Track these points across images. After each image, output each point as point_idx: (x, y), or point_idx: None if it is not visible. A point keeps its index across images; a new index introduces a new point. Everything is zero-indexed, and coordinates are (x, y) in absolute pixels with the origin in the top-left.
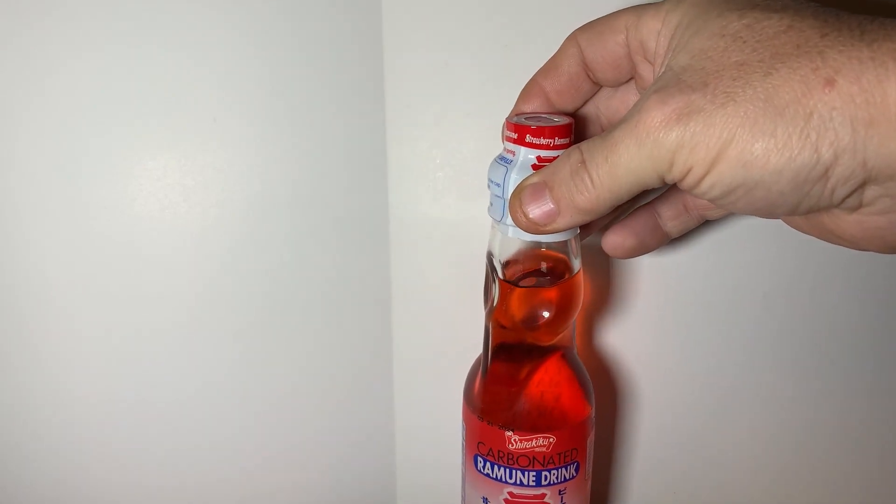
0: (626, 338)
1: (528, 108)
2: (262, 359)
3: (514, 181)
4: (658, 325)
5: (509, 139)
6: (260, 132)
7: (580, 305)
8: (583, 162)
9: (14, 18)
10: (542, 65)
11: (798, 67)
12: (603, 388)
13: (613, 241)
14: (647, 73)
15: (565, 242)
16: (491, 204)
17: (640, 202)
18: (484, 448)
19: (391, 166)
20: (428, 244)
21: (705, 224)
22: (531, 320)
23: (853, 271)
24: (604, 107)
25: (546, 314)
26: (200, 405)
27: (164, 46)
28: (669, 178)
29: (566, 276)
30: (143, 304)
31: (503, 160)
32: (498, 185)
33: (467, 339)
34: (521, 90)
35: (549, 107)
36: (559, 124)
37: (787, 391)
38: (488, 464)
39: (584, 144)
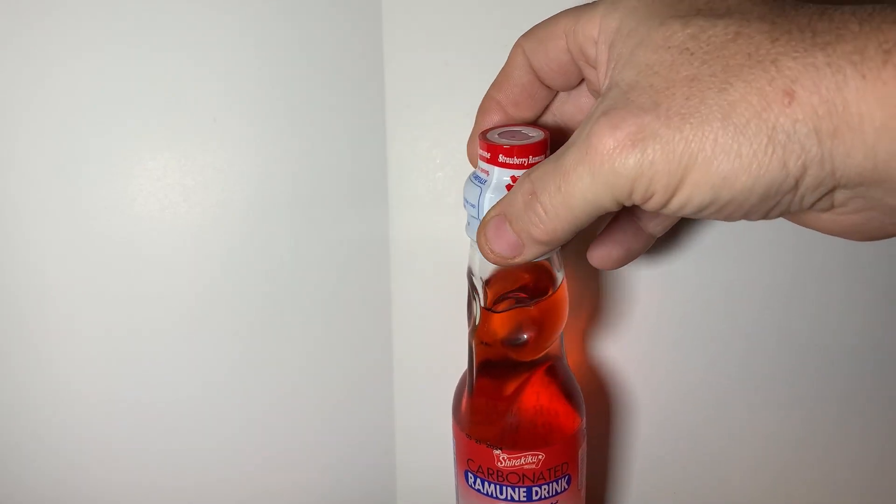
0: (621, 340)
1: (488, 123)
2: (262, 359)
3: (489, 201)
4: (654, 326)
5: (483, 158)
6: (260, 132)
7: (565, 320)
8: (533, 193)
9: (14, 18)
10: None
11: (753, 80)
12: (598, 392)
13: (600, 255)
14: (593, 76)
15: (547, 257)
16: (468, 224)
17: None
18: (473, 465)
19: (391, 166)
20: (428, 244)
21: (700, 225)
22: (515, 339)
23: (853, 271)
24: (559, 113)
25: (530, 333)
26: (200, 405)
27: (164, 46)
28: (629, 203)
29: (549, 292)
30: (143, 304)
31: (477, 179)
32: (473, 205)
33: (467, 339)
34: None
35: (509, 120)
36: (532, 142)
37: (785, 392)
38: (479, 480)
39: (533, 172)
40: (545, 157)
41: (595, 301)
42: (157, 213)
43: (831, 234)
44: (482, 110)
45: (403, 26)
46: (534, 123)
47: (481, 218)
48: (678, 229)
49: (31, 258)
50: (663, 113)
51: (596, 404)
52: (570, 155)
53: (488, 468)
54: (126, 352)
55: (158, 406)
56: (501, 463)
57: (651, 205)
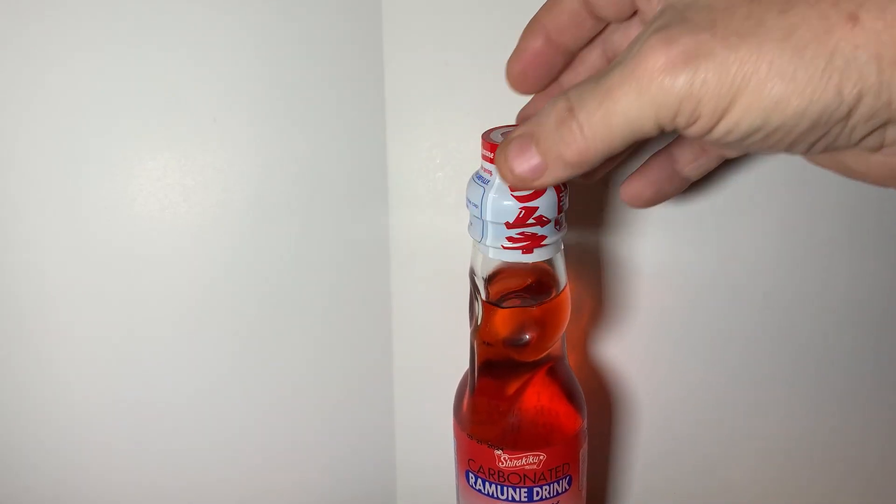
0: (623, 340)
1: (530, 46)
2: (261, 359)
3: (492, 202)
4: (656, 326)
5: (486, 158)
6: (260, 132)
7: (567, 322)
8: (570, 109)
9: (14, 18)
10: None
11: (816, 2)
12: (599, 392)
13: (631, 192)
14: (647, 7)
15: (550, 258)
16: (470, 224)
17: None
18: (475, 465)
19: (391, 166)
20: (428, 244)
21: (703, 224)
22: (517, 340)
23: (854, 271)
24: (607, 43)
25: (532, 334)
26: (200, 405)
27: (164, 47)
28: (671, 127)
29: (552, 293)
30: (142, 304)
31: (480, 179)
32: (476, 205)
33: (468, 339)
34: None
35: (552, 46)
36: None
37: (785, 391)
38: (479, 480)
39: (572, 91)
40: None
41: (596, 301)
42: (157, 213)
43: (875, 182)
44: (526, 32)
45: (403, 26)
46: (556, 45)
47: (484, 218)
48: (683, 227)
49: (31, 258)
50: (720, 31)
51: (596, 404)
52: (615, 72)
53: (489, 468)
54: (126, 352)
55: (158, 406)
56: (503, 463)
57: (695, 129)
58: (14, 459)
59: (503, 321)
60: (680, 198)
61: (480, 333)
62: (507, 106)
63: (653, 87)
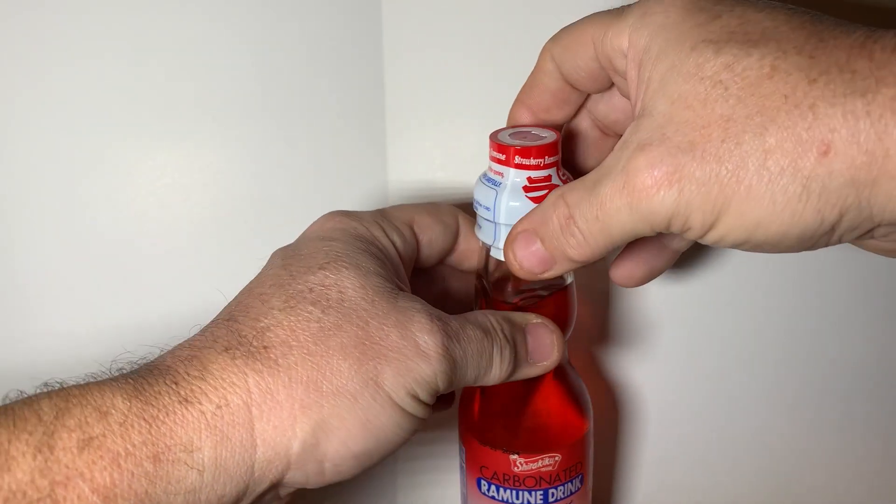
0: (623, 340)
1: (519, 125)
2: None
3: (505, 204)
4: (656, 326)
5: (496, 160)
6: (260, 132)
7: (573, 322)
8: (570, 217)
9: (13, 18)
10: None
11: (790, 125)
12: (603, 392)
13: (622, 274)
14: (623, 84)
15: None
16: (480, 227)
17: None
18: (488, 472)
19: (391, 166)
20: None
21: None
22: None
23: (854, 271)
24: (593, 111)
25: None
26: None
27: (164, 47)
28: (667, 232)
29: (559, 293)
30: (142, 304)
31: (490, 182)
32: (488, 208)
33: None
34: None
35: (540, 123)
36: (547, 142)
37: (788, 392)
38: (493, 486)
39: (568, 195)
40: (559, 157)
41: (603, 306)
42: (156, 213)
43: (874, 253)
44: (512, 117)
45: (403, 27)
46: (543, 123)
47: (497, 221)
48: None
49: (31, 258)
50: (699, 154)
51: (599, 410)
52: (606, 185)
53: (503, 474)
54: (125, 351)
55: None
56: (518, 467)
57: (689, 236)
58: None
59: None
60: None
61: None
62: (507, 106)
63: (642, 205)
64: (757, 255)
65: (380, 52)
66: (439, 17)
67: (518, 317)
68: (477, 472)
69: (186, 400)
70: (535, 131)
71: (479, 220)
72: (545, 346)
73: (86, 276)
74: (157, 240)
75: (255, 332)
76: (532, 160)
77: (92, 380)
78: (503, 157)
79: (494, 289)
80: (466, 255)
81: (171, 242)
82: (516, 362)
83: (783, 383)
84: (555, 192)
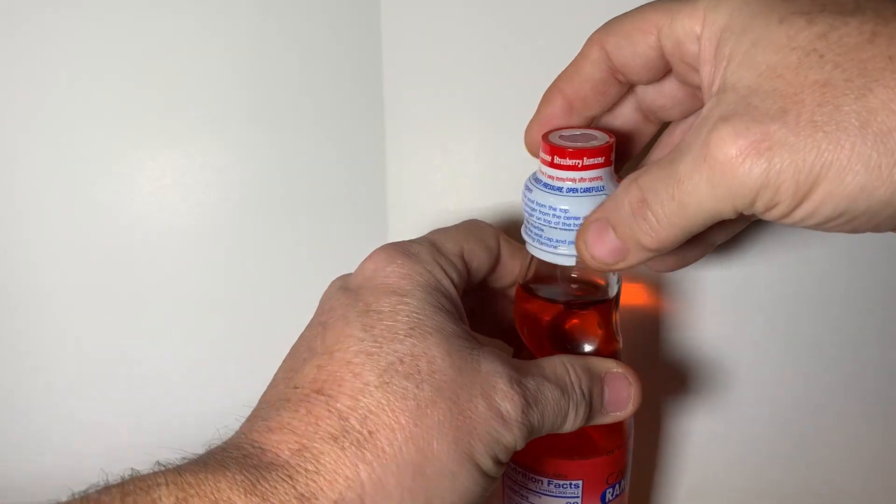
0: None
1: (550, 114)
2: (261, 360)
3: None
4: (662, 327)
5: (562, 166)
6: (259, 132)
7: (619, 333)
8: (643, 201)
9: (14, 18)
10: (544, 64)
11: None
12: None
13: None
14: (686, 72)
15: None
16: (533, 233)
17: None
18: (615, 476)
19: (390, 167)
20: None
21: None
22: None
23: (855, 271)
24: (641, 100)
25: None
26: (200, 405)
27: (163, 47)
28: (749, 213)
29: (598, 303)
30: (142, 304)
31: (548, 187)
32: (566, 215)
33: None
34: (541, 97)
35: (574, 114)
36: (609, 142)
37: (790, 392)
38: (618, 486)
39: (642, 179)
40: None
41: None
42: (156, 213)
43: None
44: (546, 101)
45: (402, 28)
46: (592, 125)
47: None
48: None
49: (31, 258)
50: (792, 120)
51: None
52: (684, 161)
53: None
54: (125, 351)
55: (157, 406)
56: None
57: (773, 214)
58: (13, 459)
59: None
60: None
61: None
62: (507, 107)
63: (726, 178)
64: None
65: (378, 52)
66: (438, 18)
67: (597, 365)
68: (603, 484)
69: (304, 496)
70: (586, 132)
71: (534, 227)
72: (622, 399)
73: (85, 275)
74: (158, 240)
75: (357, 416)
76: (599, 159)
77: (201, 459)
78: (551, 159)
79: (539, 298)
80: (502, 275)
81: (172, 242)
82: (590, 416)
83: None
84: (629, 177)
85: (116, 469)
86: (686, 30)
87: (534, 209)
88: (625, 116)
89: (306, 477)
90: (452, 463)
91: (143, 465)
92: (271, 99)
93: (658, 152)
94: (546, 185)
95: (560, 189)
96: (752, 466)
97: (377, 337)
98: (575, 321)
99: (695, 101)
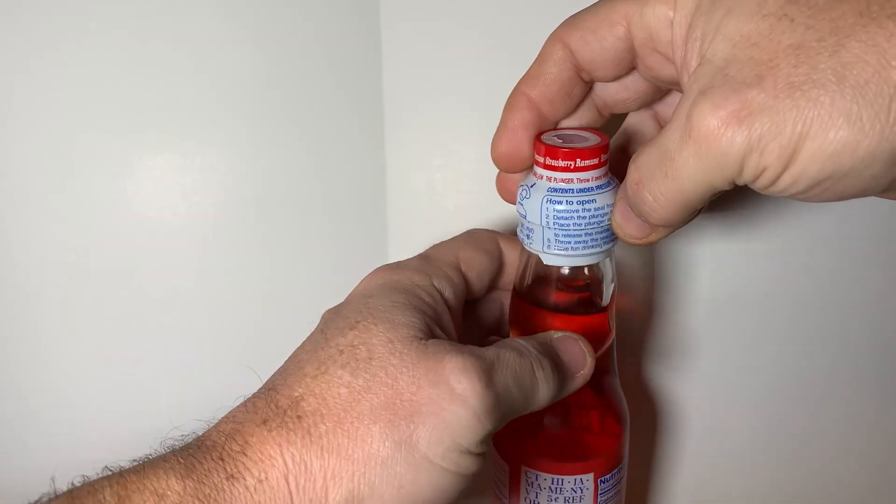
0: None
1: (517, 120)
2: (261, 360)
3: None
4: (658, 326)
5: (572, 168)
6: (259, 133)
7: (613, 334)
8: (639, 182)
9: (14, 18)
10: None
11: (868, 38)
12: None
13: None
14: (657, 64)
15: (597, 265)
16: (529, 237)
17: None
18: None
19: (389, 168)
20: (426, 245)
21: (707, 223)
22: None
23: (857, 271)
24: (602, 96)
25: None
26: (200, 405)
27: (163, 47)
28: (741, 182)
29: (596, 313)
30: (142, 304)
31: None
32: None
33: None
34: (504, 103)
35: (539, 118)
36: (602, 143)
37: (790, 393)
38: (613, 478)
39: (637, 158)
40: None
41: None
42: (156, 214)
43: None
44: (511, 107)
45: (401, 27)
46: (586, 127)
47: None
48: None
49: (31, 257)
50: (769, 85)
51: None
52: (670, 139)
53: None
54: (125, 352)
55: (158, 406)
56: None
57: (762, 181)
58: (13, 459)
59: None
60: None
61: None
62: None
63: (712, 150)
64: (764, 245)
65: (378, 51)
66: (437, 18)
67: (541, 336)
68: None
69: (232, 476)
70: (571, 133)
71: (526, 230)
72: (578, 356)
73: (85, 275)
74: (158, 240)
75: (289, 402)
76: (560, 161)
77: (148, 458)
78: (569, 164)
79: (537, 300)
80: (511, 277)
81: (171, 242)
82: (561, 377)
83: (784, 379)
84: (632, 158)
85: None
86: (658, 16)
87: (563, 216)
88: (580, 115)
89: (234, 457)
90: (383, 448)
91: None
92: (271, 99)
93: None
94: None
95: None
96: (750, 462)
97: (327, 333)
98: (570, 323)
99: (655, 93)
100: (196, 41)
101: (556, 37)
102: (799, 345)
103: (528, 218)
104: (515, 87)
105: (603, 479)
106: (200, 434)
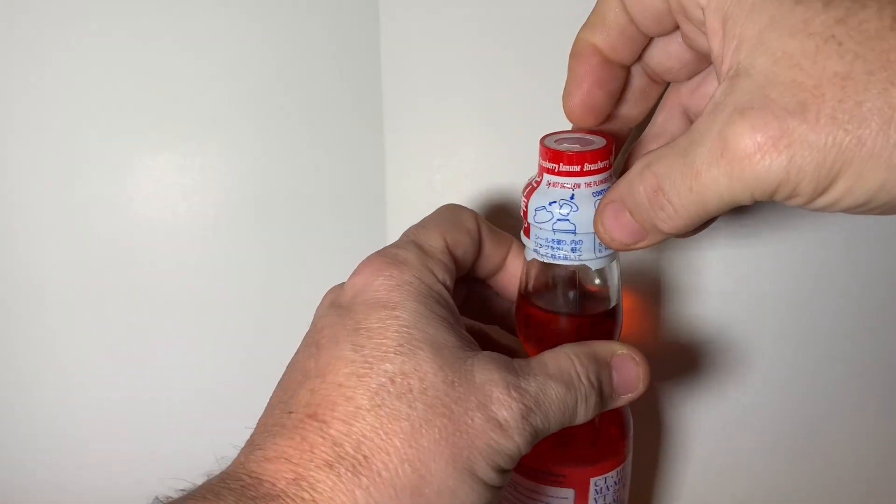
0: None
1: (584, 69)
2: (261, 359)
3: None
4: (655, 325)
5: (576, 173)
6: (259, 134)
7: (619, 332)
8: (659, 189)
9: (13, 18)
10: (544, 65)
11: None
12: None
13: None
14: (692, 33)
15: (602, 269)
16: (562, 244)
17: None
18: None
19: (389, 169)
20: None
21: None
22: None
23: (857, 272)
24: (647, 57)
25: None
26: (200, 405)
27: (163, 47)
28: (769, 200)
29: (599, 309)
30: (142, 304)
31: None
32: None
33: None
34: (569, 52)
35: (605, 65)
36: (606, 146)
37: (789, 393)
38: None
39: (656, 166)
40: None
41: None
42: (156, 213)
43: None
44: (576, 55)
45: (401, 28)
46: (590, 130)
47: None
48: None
49: (31, 258)
50: (812, 116)
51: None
52: (700, 153)
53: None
54: (125, 352)
55: (157, 406)
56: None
57: (792, 203)
58: (13, 458)
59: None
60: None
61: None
62: (506, 107)
63: (745, 173)
64: (764, 246)
65: (377, 53)
66: (437, 17)
67: (602, 350)
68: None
69: None
70: (577, 136)
71: (571, 245)
72: (631, 380)
73: (85, 275)
74: (158, 240)
75: (350, 441)
76: (599, 164)
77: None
78: (577, 168)
79: (540, 303)
80: (485, 262)
81: (171, 242)
82: (602, 403)
83: (783, 380)
84: (640, 161)
85: (119, 468)
86: None
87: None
88: (634, 79)
89: None
90: (452, 480)
91: (150, 468)
92: (271, 100)
93: (663, 116)
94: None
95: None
96: (759, 461)
97: (367, 357)
98: (579, 326)
99: (701, 62)
100: (196, 42)
101: None
102: (803, 346)
103: (577, 231)
104: (578, 36)
105: (597, 479)
106: (253, 471)
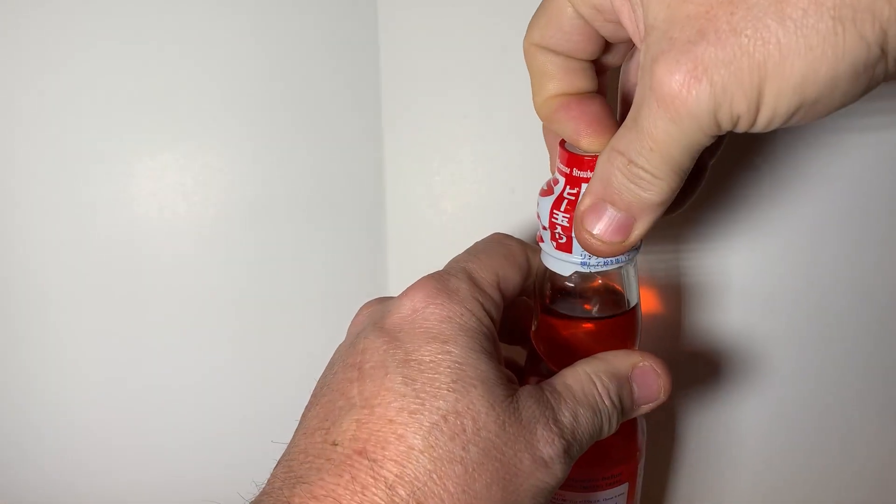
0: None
1: (550, 137)
2: (260, 359)
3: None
4: (654, 325)
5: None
6: (259, 133)
7: (639, 338)
8: (630, 162)
9: (13, 18)
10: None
11: None
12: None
13: None
14: (612, 30)
15: (618, 272)
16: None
17: None
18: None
19: (388, 169)
20: (425, 248)
21: (707, 224)
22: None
23: (856, 271)
24: (605, 66)
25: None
26: (200, 405)
27: (163, 47)
28: (722, 132)
29: (616, 312)
30: (142, 303)
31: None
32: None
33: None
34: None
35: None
36: None
37: (788, 394)
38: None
39: (617, 144)
40: None
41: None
42: (156, 213)
43: None
44: (545, 122)
45: (400, 29)
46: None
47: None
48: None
49: (31, 258)
50: (713, 38)
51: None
52: (644, 114)
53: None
54: (125, 352)
55: (158, 406)
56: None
57: (740, 127)
58: (13, 458)
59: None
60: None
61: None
62: (505, 109)
63: (682, 112)
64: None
65: (376, 54)
66: (436, 20)
67: (622, 364)
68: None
69: None
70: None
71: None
72: (652, 392)
73: (85, 275)
74: (158, 240)
75: (404, 485)
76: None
77: None
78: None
79: (565, 311)
80: (527, 287)
81: (172, 242)
82: (623, 417)
83: (782, 380)
84: (603, 152)
85: (119, 468)
86: None
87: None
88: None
89: None
90: None
91: (150, 468)
92: (271, 101)
93: (624, 105)
94: None
95: None
96: (774, 467)
97: (419, 392)
98: (602, 329)
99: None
100: (196, 42)
101: (526, 50)
102: (833, 339)
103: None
104: (539, 99)
105: (641, 461)
106: (291, 500)
